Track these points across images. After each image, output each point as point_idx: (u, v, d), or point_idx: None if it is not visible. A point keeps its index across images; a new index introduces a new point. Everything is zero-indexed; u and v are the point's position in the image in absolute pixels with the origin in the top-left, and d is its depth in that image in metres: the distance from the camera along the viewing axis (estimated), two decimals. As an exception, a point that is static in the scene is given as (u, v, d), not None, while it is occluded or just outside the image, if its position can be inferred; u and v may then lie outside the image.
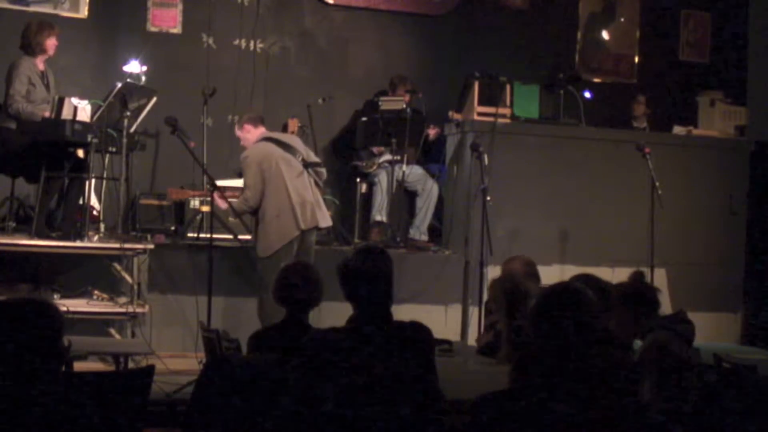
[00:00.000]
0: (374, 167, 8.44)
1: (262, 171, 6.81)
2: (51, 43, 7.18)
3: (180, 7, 8.88)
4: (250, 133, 7.03)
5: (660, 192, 7.38)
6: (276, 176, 6.83)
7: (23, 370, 3.02)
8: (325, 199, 7.32)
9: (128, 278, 6.93)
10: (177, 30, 8.89)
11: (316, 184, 7.07)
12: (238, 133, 7.14)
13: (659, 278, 7.69)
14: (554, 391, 2.61)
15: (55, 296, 6.74)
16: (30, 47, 7.13)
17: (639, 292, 4.50)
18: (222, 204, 6.96)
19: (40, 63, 7.19)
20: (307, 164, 7.01)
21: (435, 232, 8.54)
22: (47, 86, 7.21)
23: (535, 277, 5.60)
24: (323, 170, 7.25)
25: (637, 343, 4.43)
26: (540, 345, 2.69)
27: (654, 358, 4.12)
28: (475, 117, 8.01)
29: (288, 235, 6.82)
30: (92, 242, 6.93)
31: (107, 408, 3.26)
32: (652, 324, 4.38)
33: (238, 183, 7.71)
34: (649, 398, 3.88)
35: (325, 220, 7.09)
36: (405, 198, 8.56)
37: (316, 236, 7.22)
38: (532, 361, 2.71)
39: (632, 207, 7.95)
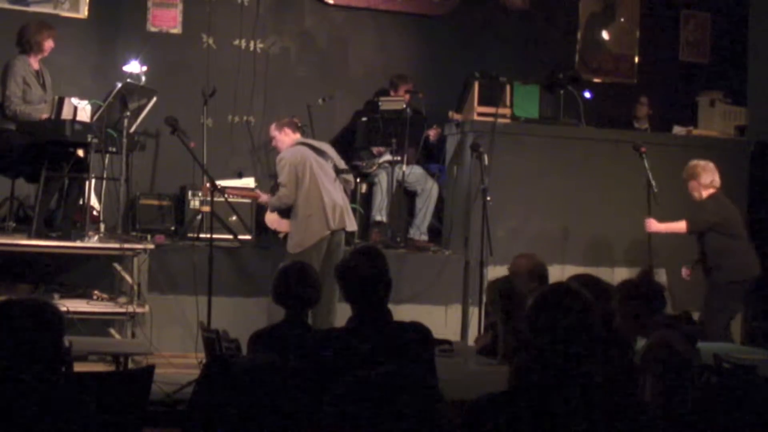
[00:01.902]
0: (374, 167, 8.44)
1: (297, 172, 7.03)
2: (48, 44, 7.17)
3: (180, 7, 8.88)
4: (288, 137, 7.28)
5: (655, 190, 7.38)
6: (310, 178, 7.04)
7: (24, 371, 3.01)
8: (351, 207, 7.47)
9: (128, 278, 6.93)
10: (177, 30, 8.89)
11: (344, 191, 7.31)
12: (275, 133, 7.35)
13: (659, 278, 7.69)
14: (553, 392, 2.61)
15: (55, 296, 6.74)
16: (28, 45, 7.12)
17: (645, 290, 4.50)
18: (263, 197, 7.36)
19: (34, 62, 7.17)
20: (338, 171, 7.26)
21: (435, 232, 8.54)
22: (43, 85, 7.20)
23: (541, 276, 5.55)
24: (350, 177, 7.53)
25: (640, 342, 4.42)
26: (536, 346, 2.68)
27: (658, 356, 4.12)
28: (475, 117, 8.01)
29: (318, 234, 7.01)
30: (92, 242, 6.93)
31: (107, 408, 3.26)
32: (658, 322, 4.38)
33: (238, 183, 7.75)
34: (650, 396, 3.88)
35: (352, 224, 7.31)
36: (405, 198, 8.55)
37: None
38: (530, 363, 2.70)
39: (632, 207, 7.93)
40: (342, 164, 7.40)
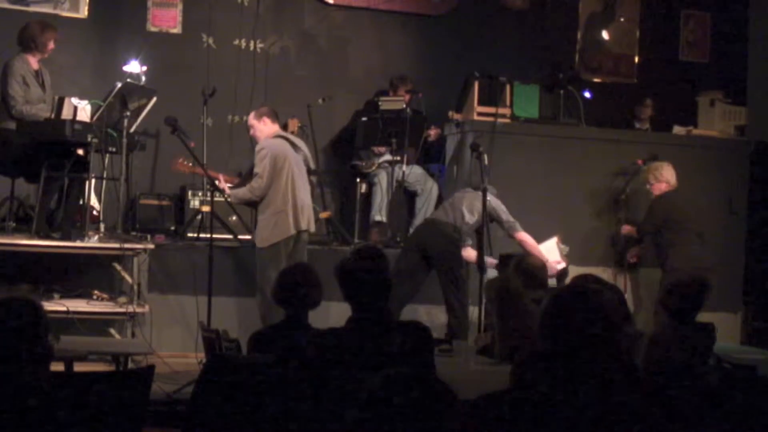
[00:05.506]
0: (374, 167, 8.44)
1: (275, 166, 6.97)
2: (51, 45, 7.16)
3: (180, 7, 8.88)
4: (267, 127, 7.18)
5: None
6: (287, 175, 7.00)
7: (6, 370, 2.97)
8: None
9: (128, 278, 6.93)
10: (177, 30, 8.89)
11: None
12: (253, 122, 7.22)
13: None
14: (556, 391, 2.60)
15: (55, 296, 6.74)
16: (33, 43, 7.09)
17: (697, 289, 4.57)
18: (224, 185, 7.14)
19: (34, 62, 7.15)
20: (309, 170, 7.26)
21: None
22: (42, 85, 7.19)
23: (529, 274, 5.56)
24: (314, 179, 7.57)
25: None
26: (547, 346, 2.66)
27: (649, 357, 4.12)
28: (475, 117, 8.01)
29: (285, 232, 6.98)
30: (92, 242, 6.92)
31: (107, 408, 3.25)
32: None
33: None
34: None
35: (313, 224, 7.30)
36: (405, 198, 8.55)
37: (313, 237, 7.43)
38: (536, 361, 2.69)
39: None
40: (312, 164, 7.44)
